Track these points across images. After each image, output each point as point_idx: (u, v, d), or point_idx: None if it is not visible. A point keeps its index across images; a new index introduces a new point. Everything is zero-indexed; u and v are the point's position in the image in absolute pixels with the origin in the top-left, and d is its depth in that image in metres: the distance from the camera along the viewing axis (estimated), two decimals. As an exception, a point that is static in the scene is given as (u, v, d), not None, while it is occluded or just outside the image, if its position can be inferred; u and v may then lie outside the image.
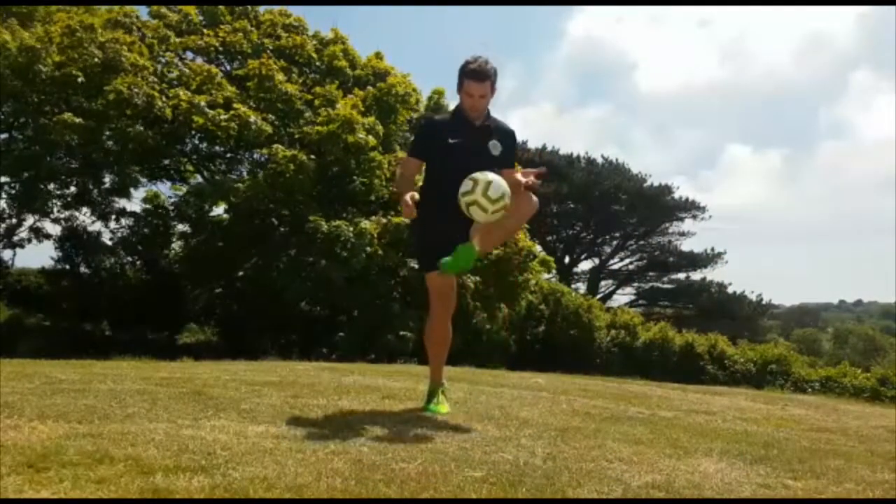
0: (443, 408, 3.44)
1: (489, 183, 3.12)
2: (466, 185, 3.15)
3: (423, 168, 3.59)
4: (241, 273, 15.56)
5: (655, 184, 32.48)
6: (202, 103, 13.22)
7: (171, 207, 16.08)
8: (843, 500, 2.23)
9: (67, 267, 17.38)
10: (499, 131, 3.53)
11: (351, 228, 12.87)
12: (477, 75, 3.34)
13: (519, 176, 3.37)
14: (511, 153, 3.58)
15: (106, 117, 13.11)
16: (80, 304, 16.79)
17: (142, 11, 15.67)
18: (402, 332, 13.29)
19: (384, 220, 13.47)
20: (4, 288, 17.19)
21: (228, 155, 15.66)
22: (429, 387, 3.63)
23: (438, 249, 3.36)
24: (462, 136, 3.46)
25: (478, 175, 3.15)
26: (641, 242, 34.20)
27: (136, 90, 12.78)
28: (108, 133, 13.50)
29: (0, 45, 12.59)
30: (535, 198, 3.44)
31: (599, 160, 32.97)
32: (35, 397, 3.09)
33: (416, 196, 3.33)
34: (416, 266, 3.79)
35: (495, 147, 3.48)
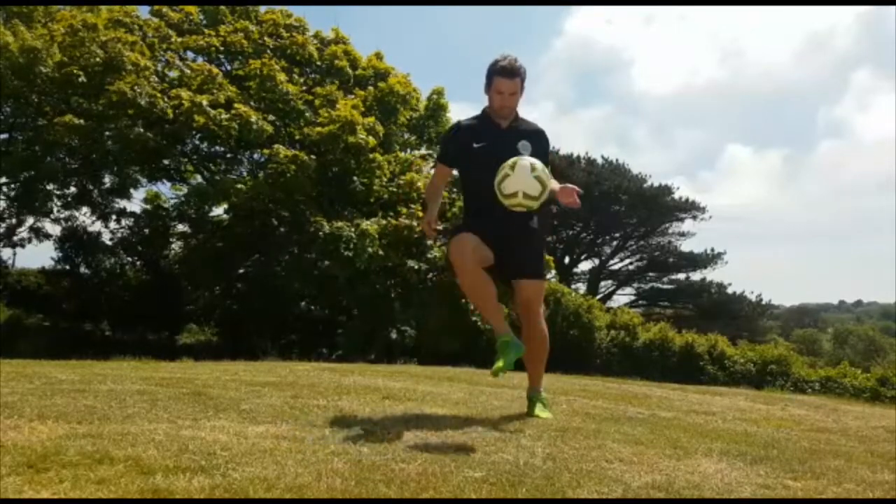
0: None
1: (505, 177, 3.10)
2: (500, 173, 3.14)
3: (460, 175, 3.56)
4: (241, 273, 15.56)
5: (655, 184, 32.53)
6: (204, 103, 13.23)
7: (171, 208, 16.11)
8: (843, 500, 2.23)
9: (67, 267, 17.42)
10: (528, 131, 3.43)
11: (353, 229, 12.89)
12: (507, 72, 3.28)
13: (554, 185, 3.27)
14: (544, 153, 3.42)
15: (106, 118, 13.12)
16: (80, 304, 16.83)
17: (143, 10, 15.70)
18: (402, 328, 13.30)
19: (384, 222, 13.48)
20: (4, 288, 17.21)
21: (229, 155, 15.68)
22: (497, 339, 3.27)
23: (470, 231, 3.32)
24: (487, 140, 3.37)
25: (510, 161, 3.13)
26: (641, 243, 34.20)
27: (138, 90, 12.79)
28: (108, 133, 13.52)
29: (2, 46, 12.60)
30: (544, 336, 3.48)
31: (599, 160, 33.01)
32: (35, 398, 3.09)
33: (436, 223, 3.42)
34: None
35: (525, 147, 3.35)
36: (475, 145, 3.38)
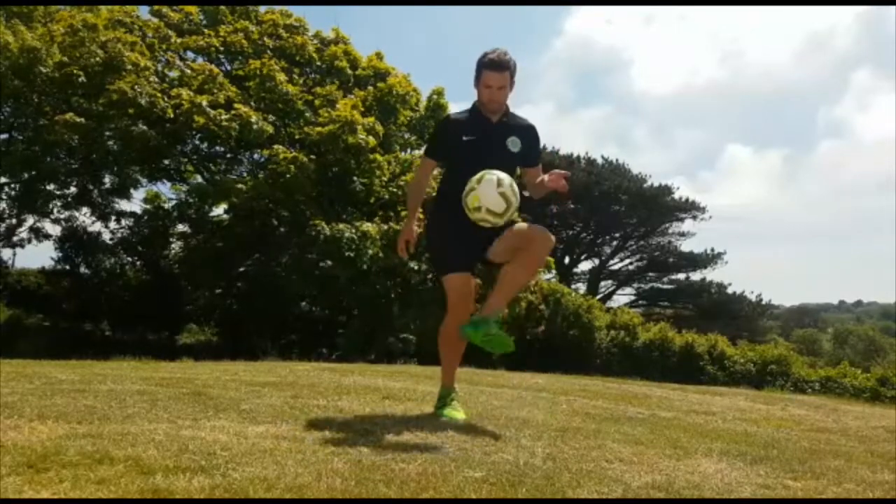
0: (458, 414, 3.21)
1: (489, 180, 3.01)
2: (467, 185, 3.05)
3: (445, 170, 3.48)
4: (241, 273, 15.57)
5: (655, 184, 32.52)
6: (204, 103, 13.23)
7: (171, 208, 16.12)
8: (843, 500, 2.23)
9: (67, 267, 17.42)
10: (519, 127, 3.34)
11: (354, 231, 12.90)
12: (496, 65, 3.20)
13: (545, 178, 3.24)
14: (533, 149, 3.37)
15: (106, 117, 13.12)
16: (80, 304, 16.82)
17: (143, 11, 15.70)
18: (402, 335, 13.31)
19: (385, 227, 13.47)
20: (4, 288, 17.20)
21: (229, 155, 15.68)
22: (440, 390, 3.39)
23: (454, 251, 3.24)
24: (477, 134, 3.30)
25: (478, 175, 3.05)
26: (641, 243, 34.18)
27: (139, 90, 12.79)
28: (108, 133, 13.52)
29: (2, 46, 12.60)
30: (548, 237, 3.17)
31: (599, 160, 33.00)
32: (35, 398, 3.09)
33: (414, 237, 3.32)
34: (433, 268, 3.47)
35: (514, 144, 3.29)
36: (464, 138, 3.32)
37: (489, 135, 3.30)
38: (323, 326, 15.16)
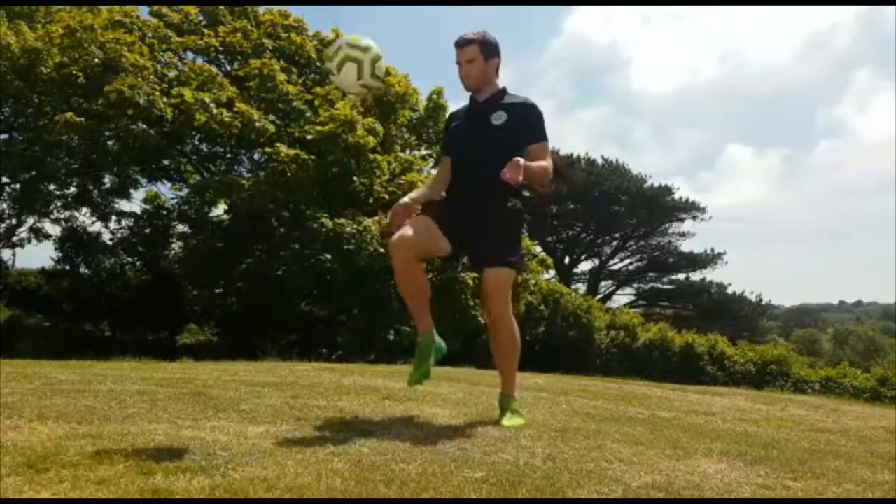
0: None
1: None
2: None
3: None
4: (241, 273, 15.55)
5: (655, 184, 32.57)
6: (207, 100, 13.19)
7: (172, 207, 16.11)
8: (843, 500, 2.23)
9: (67, 267, 17.41)
10: (509, 104, 3.21)
11: (354, 225, 12.92)
12: (458, 43, 3.22)
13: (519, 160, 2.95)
14: (525, 125, 3.17)
15: (106, 117, 13.12)
16: (80, 304, 16.82)
17: (142, 11, 15.70)
18: (401, 327, 13.29)
19: (385, 220, 13.46)
20: (4, 288, 17.20)
21: (228, 155, 15.67)
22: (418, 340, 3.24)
23: (443, 222, 3.14)
24: (464, 118, 3.32)
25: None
26: (641, 243, 34.23)
27: (137, 90, 12.77)
28: (108, 133, 13.52)
29: (3, 47, 12.60)
30: (510, 323, 3.30)
31: (599, 160, 33.04)
32: (35, 398, 3.09)
33: (409, 207, 3.20)
34: None
35: (499, 117, 3.17)
36: (453, 124, 3.37)
37: (473, 115, 3.28)
38: (323, 326, 15.14)
